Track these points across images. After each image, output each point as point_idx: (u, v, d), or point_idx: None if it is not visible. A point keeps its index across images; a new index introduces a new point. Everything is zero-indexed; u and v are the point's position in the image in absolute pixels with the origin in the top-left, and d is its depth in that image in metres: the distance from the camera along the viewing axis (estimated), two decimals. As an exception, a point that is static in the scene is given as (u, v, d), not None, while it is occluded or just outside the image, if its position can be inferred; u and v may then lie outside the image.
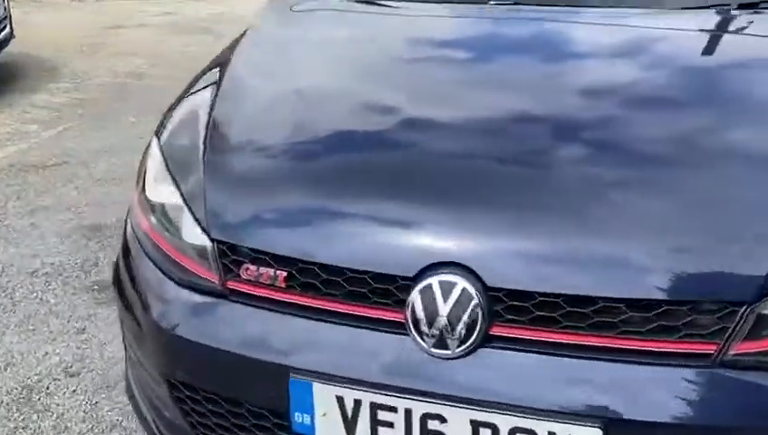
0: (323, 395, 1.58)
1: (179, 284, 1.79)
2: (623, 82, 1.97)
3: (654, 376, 1.46)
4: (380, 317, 1.59)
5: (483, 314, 1.50)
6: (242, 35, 2.52)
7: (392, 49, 2.29)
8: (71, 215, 3.68)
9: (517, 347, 1.52)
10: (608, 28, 2.27)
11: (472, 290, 1.51)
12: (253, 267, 1.68)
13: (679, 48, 2.13)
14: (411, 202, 1.65)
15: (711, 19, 2.23)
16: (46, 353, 2.67)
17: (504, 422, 1.49)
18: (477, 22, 2.39)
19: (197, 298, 1.75)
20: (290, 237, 1.68)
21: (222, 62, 2.34)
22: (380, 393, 1.55)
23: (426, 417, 1.53)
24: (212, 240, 1.73)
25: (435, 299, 1.52)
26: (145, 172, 2.04)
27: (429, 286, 1.53)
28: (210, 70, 2.35)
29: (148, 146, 2.11)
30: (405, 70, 2.17)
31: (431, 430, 1.53)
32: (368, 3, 2.67)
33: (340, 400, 1.58)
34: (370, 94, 2.06)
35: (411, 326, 1.54)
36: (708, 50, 2.15)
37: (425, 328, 1.53)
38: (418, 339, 1.54)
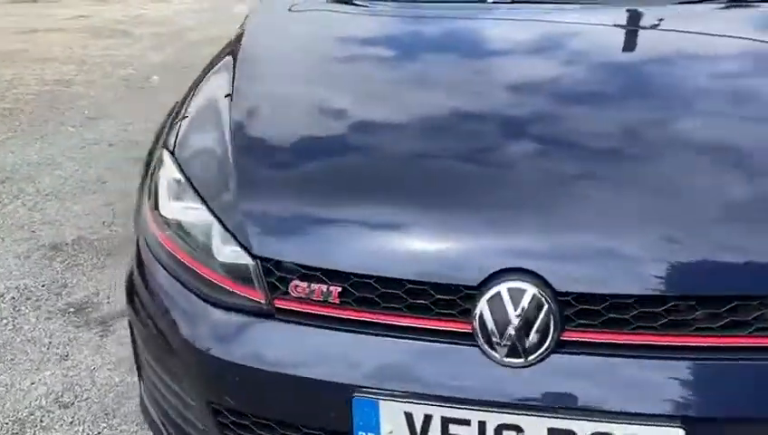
0: (390, 412, 1.53)
1: (216, 305, 1.70)
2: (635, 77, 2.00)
3: (730, 372, 1.47)
4: (445, 329, 1.55)
5: (554, 319, 1.48)
6: (237, 39, 2.41)
7: (415, 49, 2.25)
8: (26, 234, 3.48)
9: (590, 351, 1.50)
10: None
11: (542, 296, 1.48)
12: (303, 284, 1.61)
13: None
14: (471, 209, 1.62)
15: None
16: (32, 384, 2.52)
17: (582, 428, 1.47)
18: (480, 22, 2.37)
19: (239, 319, 1.67)
20: (342, 251, 1.61)
21: (224, 65, 2.24)
22: (452, 407, 1.51)
23: (501, 428, 1.50)
24: (254, 257, 1.65)
25: (505, 307, 1.49)
26: (156, 188, 1.93)
27: (498, 295, 1.50)
28: (211, 74, 2.25)
29: (153, 161, 2.01)
30: (433, 73, 2.12)
31: (506, 441, 1.50)
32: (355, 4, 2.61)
33: (408, 416, 1.53)
34: (408, 96, 2.01)
35: (480, 336, 1.51)
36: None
37: (495, 337, 1.49)
38: (489, 349, 1.50)
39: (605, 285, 1.50)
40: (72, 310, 2.90)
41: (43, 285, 3.07)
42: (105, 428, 2.32)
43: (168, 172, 1.92)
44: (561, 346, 1.50)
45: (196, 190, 1.81)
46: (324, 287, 1.60)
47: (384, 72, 2.18)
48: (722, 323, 1.47)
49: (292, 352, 1.62)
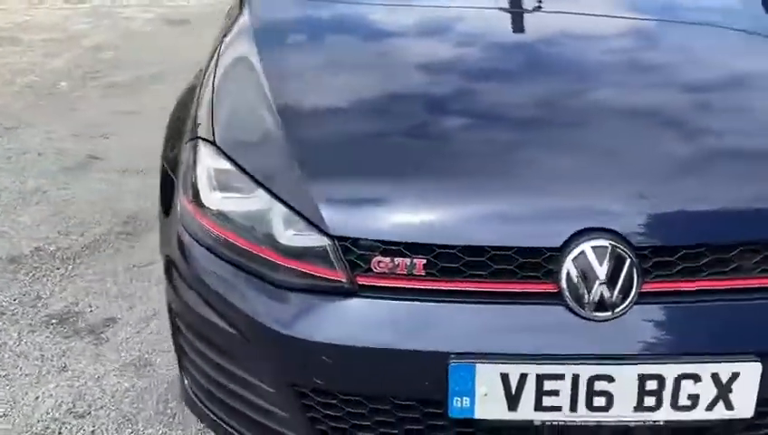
0: (486, 375, 1.59)
1: (291, 288, 1.71)
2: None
3: None
4: (531, 291, 1.62)
5: (636, 272, 1.58)
6: (234, 20, 2.39)
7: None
8: (-23, 249, 3.31)
9: (669, 300, 1.62)
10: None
11: (624, 252, 1.58)
12: (386, 259, 1.64)
13: None
14: (548, 174, 1.70)
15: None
16: (37, 398, 2.41)
17: (670, 371, 1.58)
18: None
19: (320, 299, 1.68)
20: (424, 223, 1.66)
21: (239, 45, 2.23)
22: (546, 363, 1.58)
23: (593, 380, 1.59)
24: (330, 237, 1.66)
25: (591, 265, 1.58)
26: (195, 180, 1.90)
27: (583, 253, 1.58)
28: (228, 57, 2.23)
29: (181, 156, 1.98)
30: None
31: (597, 391, 1.59)
32: None
33: (504, 377, 1.59)
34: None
35: (568, 294, 1.59)
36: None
37: (583, 294, 1.58)
38: (577, 306, 1.59)
39: (678, 237, 1.61)
40: (54, 321, 2.79)
41: (14, 299, 2.93)
42: (131, 433, 2.26)
43: (209, 163, 1.89)
44: (642, 297, 1.60)
45: (251, 176, 1.79)
46: (408, 261, 1.64)
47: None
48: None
49: (381, 327, 1.65)
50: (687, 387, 1.57)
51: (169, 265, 1.97)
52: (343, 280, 1.67)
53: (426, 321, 1.64)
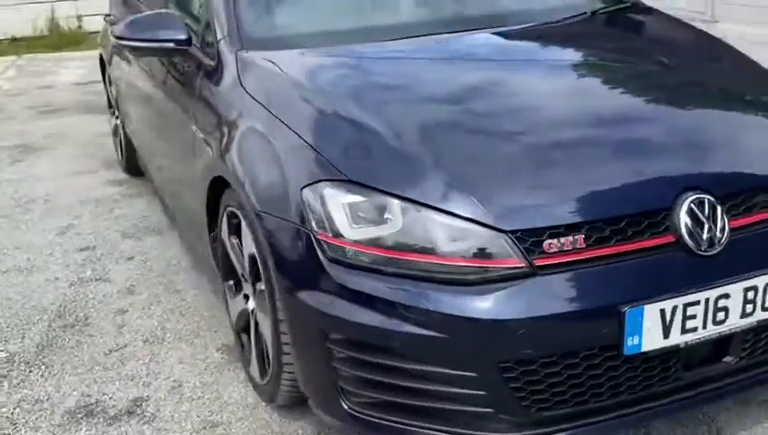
0: (650, 313, 2.04)
1: (473, 283, 2.01)
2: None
3: None
4: (659, 244, 2.11)
5: (724, 214, 2.13)
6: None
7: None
8: None
9: (749, 230, 2.18)
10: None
11: (714, 201, 2.12)
12: (554, 241, 2.02)
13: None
14: (648, 154, 2.22)
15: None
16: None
17: (762, 281, 2.14)
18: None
19: (507, 285, 2.01)
20: (573, 207, 2.07)
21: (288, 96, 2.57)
22: (687, 294, 2.07)
23: (718, 299, 2.10)
24: (505, 232, 2.01)
25: (698, 215, 2.11)
26: (330, 216, 2.11)
27: (690, 208, 2.10)
28: (279, 108, 2.50)
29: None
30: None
31: (719, 307, 2.10)
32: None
33: (662, 311, 2.05)
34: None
35: (689, 240, 2.09)
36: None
37: (698, 237, 2.09)
38: (695, 247, 2.09)
39: (744, 184, 2.20)
40: (81, 414, 2.67)
41: (14, 408, 2.75)
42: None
43: (343, 200, 2.13)
44: (732, 231, 2.14)
45: (402, 198, 2.07)
46: (570, 238, 2.03)
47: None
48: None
49: (567, 294, 2.02)
50: None
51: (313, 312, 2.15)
52: (523, 265, 2.01)
53: (596, 282, 2.04)
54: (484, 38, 2.99)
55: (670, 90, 2.66)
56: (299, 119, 2.43)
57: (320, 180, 2.19)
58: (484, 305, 2.00)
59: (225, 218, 2.71)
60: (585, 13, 3.23)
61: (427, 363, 2.06)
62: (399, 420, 2.13)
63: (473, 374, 2.03)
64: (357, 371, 2.14)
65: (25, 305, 3.50)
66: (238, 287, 2.78)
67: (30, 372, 2.97)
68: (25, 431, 2.63)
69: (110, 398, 2.78)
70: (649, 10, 3.46)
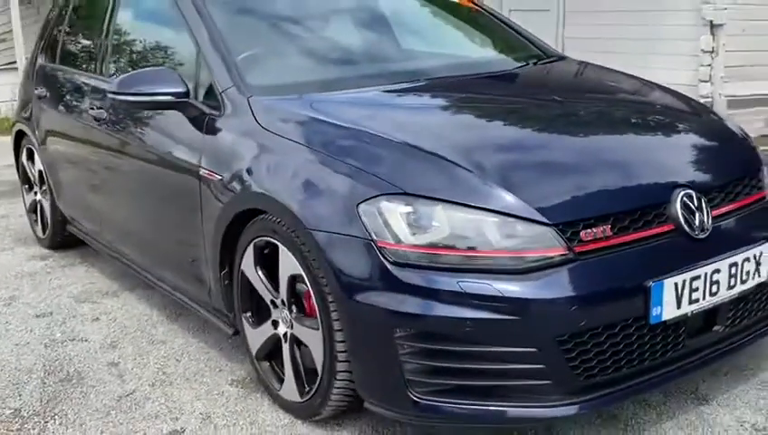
0: (669, 286, 2.48)
1: (521, 272, 2.36)
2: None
3: None
4: (663, 231, 2.56)
5: (707, 205, 2.63)
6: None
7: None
8: None
9: (726, 217, 2.69)
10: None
11: (699, 194, 2.62)
12: (589, 231, 2.42)
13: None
14: (648, 162, 2.69)
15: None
16: None
17: (740, 258, 2.64)
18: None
19: (550, 271, 2.37)
20: (601, 203, 2.51)
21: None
22: (692, 270, 2.53)
23: (713, 273, 2.56)
24: (550, 225, 2.39)
25: (690, 206, 2.59)
26: (389, 227, 2.41)
27: (683, 201, 2.57)
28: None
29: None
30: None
31: (713, 281, 2.56)
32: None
33: (675, 285, 2.48)
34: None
35: (686, 226, 2.55)
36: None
37: (693, 224, 2.56)
38: (691, 232, 2.56)
39: (718, 180, 2.71)
40: None
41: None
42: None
43: (400, 210, 2.43)
44: (715, 219, 2.63)
45: (457, 203, 2.41)
46: (600, 228, 2.43)
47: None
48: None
49: (604, 274, 2.42)
50: (750, 264, 2.63)
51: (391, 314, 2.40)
52: (565, 253, 2.38)
53: (624, 263, 2.46)
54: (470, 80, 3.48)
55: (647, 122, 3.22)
56: (334, 146, 2.71)
57: (377, 195, 2.47)
58: (540, 289, 2.34)
59: (251, 250, 2.89)
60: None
61: (492, 345, 2.36)
62: (463, 401, 2.40)
63: (534, 349, 2.35)
64: (424, 361, 2.40)
65: (6, 368, 3.45)
66: (261, 317, 2.95)
67: (46, 422, 2.97)
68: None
69: (145, 434, 2.85)
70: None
